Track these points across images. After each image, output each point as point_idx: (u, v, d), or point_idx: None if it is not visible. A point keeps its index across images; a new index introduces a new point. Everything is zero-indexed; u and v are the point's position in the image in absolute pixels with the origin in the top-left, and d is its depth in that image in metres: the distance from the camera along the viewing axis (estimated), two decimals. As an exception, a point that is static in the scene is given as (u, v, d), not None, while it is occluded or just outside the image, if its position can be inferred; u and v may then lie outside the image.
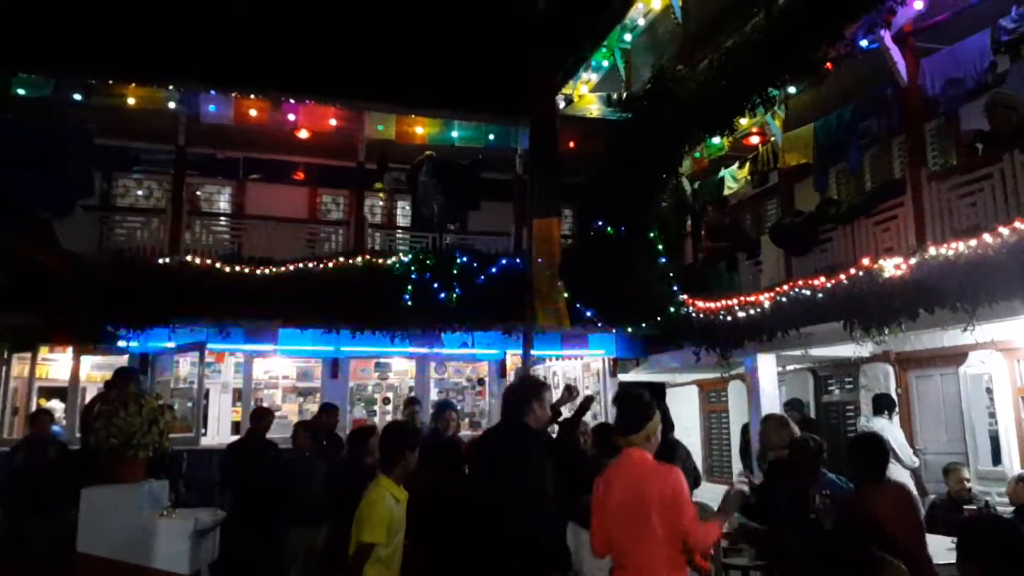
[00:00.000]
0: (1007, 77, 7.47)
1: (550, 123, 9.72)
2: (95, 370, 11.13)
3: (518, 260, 10.75)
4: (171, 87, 10.89)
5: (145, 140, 11.88)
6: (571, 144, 12.26)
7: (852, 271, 7.54)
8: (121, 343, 10.01)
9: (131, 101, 10.73)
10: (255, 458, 7.60)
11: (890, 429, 8.10)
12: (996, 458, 7.87)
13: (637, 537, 3.55)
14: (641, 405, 3.87)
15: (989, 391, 8.09)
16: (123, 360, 10.21)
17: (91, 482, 5.16)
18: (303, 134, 11.63)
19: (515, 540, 4.16)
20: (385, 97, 11.94)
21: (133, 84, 10.70)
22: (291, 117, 11.43)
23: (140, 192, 12.56)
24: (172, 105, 10.97)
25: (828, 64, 8.09)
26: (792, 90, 8.98)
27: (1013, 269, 5.85)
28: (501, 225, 12.35)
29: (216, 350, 10.82)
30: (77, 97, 10.51)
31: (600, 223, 11.39)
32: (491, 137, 12.22)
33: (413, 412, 8.79)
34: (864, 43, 7.98)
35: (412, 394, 10.91)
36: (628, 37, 12.15)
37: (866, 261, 7.40)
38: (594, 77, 12.81)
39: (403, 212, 13.56)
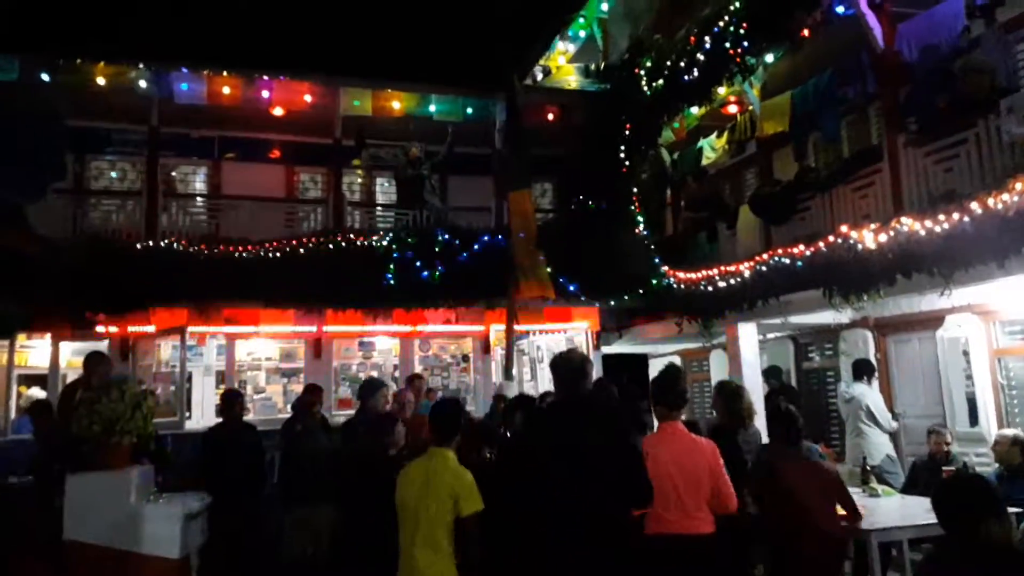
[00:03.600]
0: (981, 41, 7.48)
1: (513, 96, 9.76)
2: (75, 356, 11.00)
3: (499, 235, 10.72)
4: (141, 66, 10.67)
5: (117, 121, 11.68)
6: (550, 116, 12.20)
7: (831, 239, 7.57)
8: (100, 328, 9.90)
9: (101, 81, 10.51)
10: (232, 445, 7.34)
11: (869, 394, 8.23)
12: (973, 419, 8.03)
13: (691, 493, 4.21)
14: (684, 386, 4.52)
15: (966, 354, 8.21)
16: (103, 346, 10.10)
17: (74, 469, 5.11)
18: (278, 111, 11.46)
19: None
20: (360, 71, 11.76)
21: (102, 63, 10.47)
22: (265, 94, 11.26)
23: (114, 174, 12.35)
24: (143, 84, 10.75)
25: (804, 31, 8.06)
26: (769, 58, 8.95)
27: (988, 234, 5.90)
28: (481, 200, 12.28)
29: (197, 332, 10.74)
30: (45, 78, 10.25)
31: (580, 196, 11.37)
32: (469, 111, 12.10)
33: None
34: (840, 9, 7.96)
35: (411, 373, 10.58)
36: (605, 7, 12.01)
37: (844, 228, 7.44)
38: (571, 48, 12.67)
39: (382, 189, 13.44)
